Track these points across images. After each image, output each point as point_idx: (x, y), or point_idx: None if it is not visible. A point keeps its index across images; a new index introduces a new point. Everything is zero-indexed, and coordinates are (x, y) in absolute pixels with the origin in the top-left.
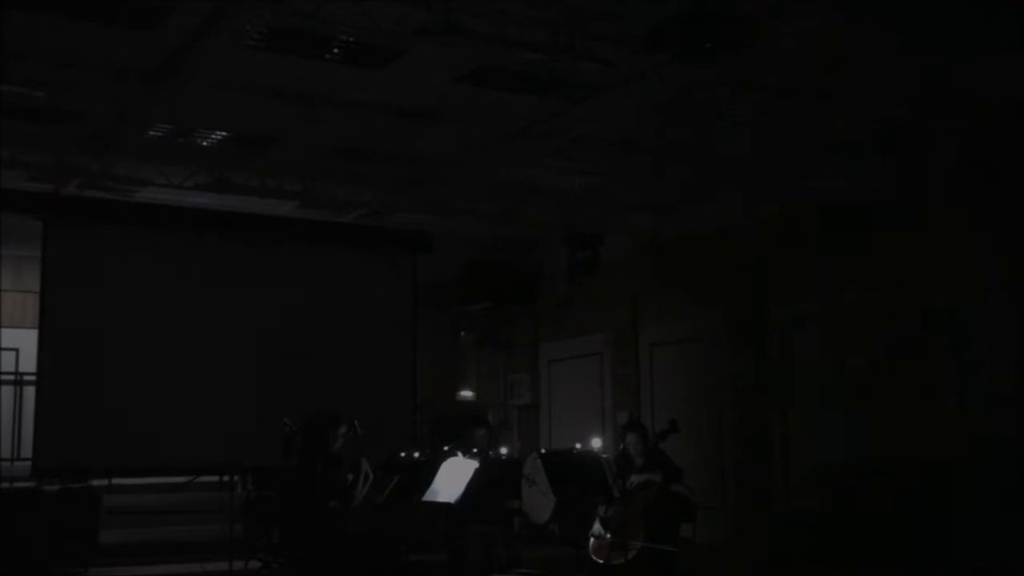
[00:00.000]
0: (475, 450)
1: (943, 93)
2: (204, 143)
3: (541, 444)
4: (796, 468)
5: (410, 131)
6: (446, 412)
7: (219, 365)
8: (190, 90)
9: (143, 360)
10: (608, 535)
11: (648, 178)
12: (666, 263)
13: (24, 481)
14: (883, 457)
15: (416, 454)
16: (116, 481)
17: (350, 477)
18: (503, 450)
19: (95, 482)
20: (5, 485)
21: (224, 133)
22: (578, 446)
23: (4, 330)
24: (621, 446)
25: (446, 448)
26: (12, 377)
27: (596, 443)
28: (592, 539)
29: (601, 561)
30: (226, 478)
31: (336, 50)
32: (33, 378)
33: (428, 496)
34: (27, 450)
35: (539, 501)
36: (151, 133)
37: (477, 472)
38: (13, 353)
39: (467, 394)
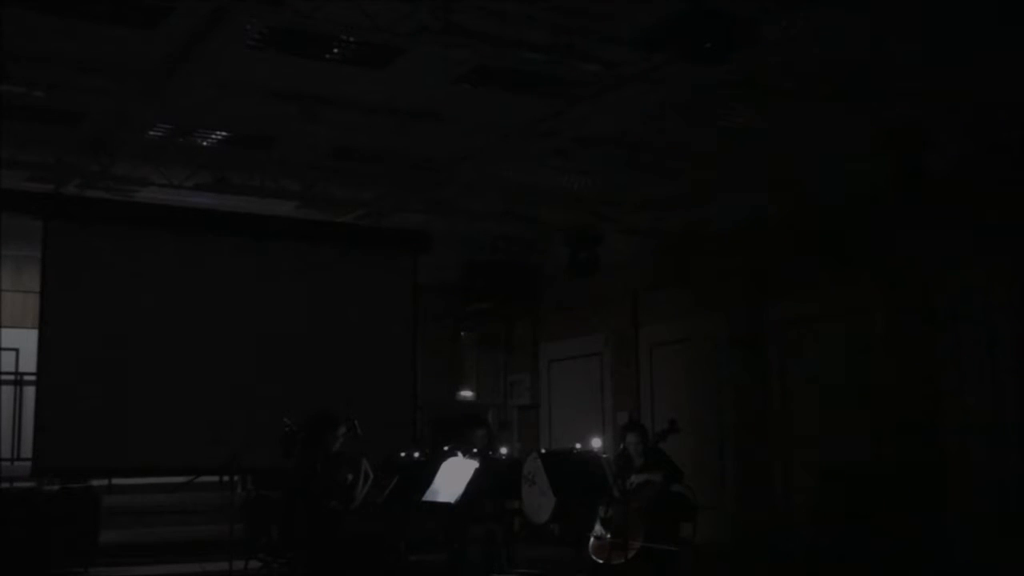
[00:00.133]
0: (475, 450)
1: (943, 93)
2: (204, 143)
3: (541, 444)
4: (796, 468)
5: (410, 131)
6: (446, 412)
7: (219, 365)
8: (190, 90)
9: (143, 360)
10: (608, 535)
11: (648, 178)
12: (666, 263)
13: (24, 481)
14: (883, 457)
15: (416, 454)
16: (116, 481)
17: (350, 477)
18: (503, 450)
19: (95, 482)
20: (5, 485)
21: (224, 133)
22: (578, 446)
23: (4, 330)
24: (621, 446)
25: (446, 448)
26: (12, 377)
27: (596, 443)
28: (592, 539)
29: (601, 561)
30: (226, 478)
31: (336, 50)
32: (33, 378)
33: (428, 496)
34: (27, 450)
35: (539, 501)
36: (151, 133)
37: (477, 472)
38: (13, 353)
39: (467, 394)
